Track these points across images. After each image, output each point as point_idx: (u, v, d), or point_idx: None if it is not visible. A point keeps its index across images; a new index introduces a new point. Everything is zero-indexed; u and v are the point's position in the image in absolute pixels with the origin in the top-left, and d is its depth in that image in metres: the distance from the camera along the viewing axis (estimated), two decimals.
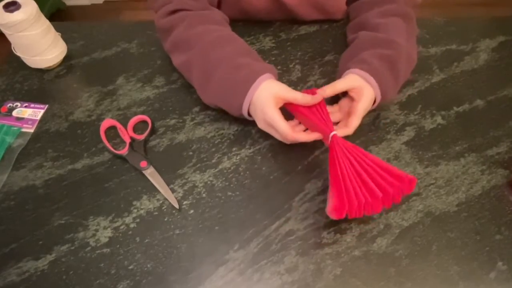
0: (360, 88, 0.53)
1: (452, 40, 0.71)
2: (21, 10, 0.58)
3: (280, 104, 0.52)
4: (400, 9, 0.61)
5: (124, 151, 0.55)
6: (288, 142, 0.53)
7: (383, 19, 0.61)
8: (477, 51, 0.69)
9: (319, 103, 0.53)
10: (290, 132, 0.50)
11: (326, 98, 0.53)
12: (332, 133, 0.49)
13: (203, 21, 0.59)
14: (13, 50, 0.65)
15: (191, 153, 0.56)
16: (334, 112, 0.56)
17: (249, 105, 0.53)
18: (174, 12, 0.60)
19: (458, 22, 0.74)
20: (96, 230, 0.49)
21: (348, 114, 0.54)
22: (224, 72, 0.53)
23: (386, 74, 0.54)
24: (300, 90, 0.62)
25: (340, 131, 0.50)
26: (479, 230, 0.48)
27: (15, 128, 0.59)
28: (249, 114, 0.54)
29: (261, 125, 0.53)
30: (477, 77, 0.65)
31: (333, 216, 0.45)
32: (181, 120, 0.60)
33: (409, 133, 0.58)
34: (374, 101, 0.55)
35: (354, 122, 0.52)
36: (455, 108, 0.61)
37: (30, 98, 0.64)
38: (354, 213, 0.45)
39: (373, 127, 0.59)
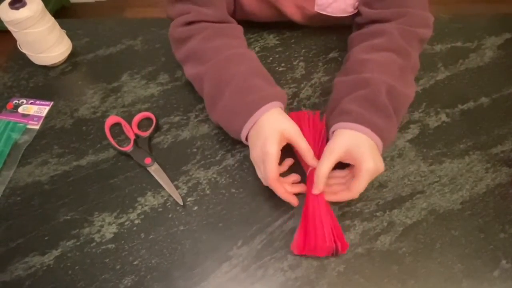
0: (353, 147, 0.47)
1: (457, 37, 0.70)
2: (26, 7, 0.59)
3: (284, 143, 0.49)
4: (392, 43, 0.55)
5: (128, 148, 0.56)
6: (265, 183, 0.49)
7: (368, 54, 0.55)
8: (483, 48, 0.68)
9: (319, 133, 0.52)
10: (273, 176, 0.46)
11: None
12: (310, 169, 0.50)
13: (221, 34, 0.57)
14: (19, 47, 0.65)
15: (195, 150, 0.56)
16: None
17: (249, 131, 0.50)
18: (191, 23, 0.58)
19: (464, 19, 0.73)
20: (101, 226, 0.50)
21: (351, 174, 0.49)
22: (233, 92, 0.51)
23: (371, 117, 0.48)
24: (303, 88, 0.63)
25: (342, 195, 0.48)
26: (483, 228, 0.48)
27: (21, 124, 0.60)
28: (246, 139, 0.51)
29: (254, 154, 0.49)
30: (482, 75, 0.64)
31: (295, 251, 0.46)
32: (185, 117, 0.60)
33: (413, 130, 0.58)
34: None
35: (358, 186, 0.46)
36: (459, 106, 0.61)
37: (36, 95, 0.64)
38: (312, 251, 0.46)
39: None
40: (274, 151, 0.46)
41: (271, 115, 0.49)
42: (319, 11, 0.65)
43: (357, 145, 0.47)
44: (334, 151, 0.47)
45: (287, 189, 0.48)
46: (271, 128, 0.47)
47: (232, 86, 0.51)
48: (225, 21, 0.61)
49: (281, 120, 0.49)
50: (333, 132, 0.50)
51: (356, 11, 0.65)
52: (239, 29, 0.62)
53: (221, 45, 0.56)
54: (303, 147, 0.48)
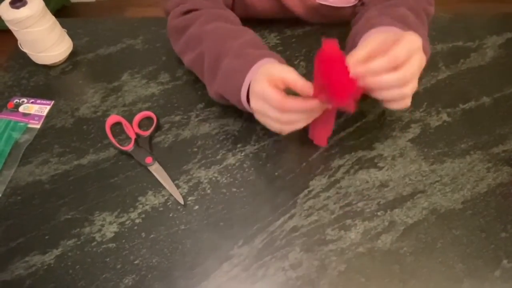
0: (392, 34, 0.44)
1: (459, 36, 0.70)
2: (27, 6, 0.59)
3: (277, 85, 0.44)
4: (406, 3, 0.55)
5: (129, 147, 0.56)
6: (285, 119, 0.44)
7: (383, 10, 0.55)
8: (484, 47, 0.68)
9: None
10: (279, 98, 0.42)
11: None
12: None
13: (217, 18, 0.57)
14: (20, 46, 0.65)
15: (196, 149, 0.56)
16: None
17: (248, 92, 0.48)
18: (188, 12, 0.59)
19: (465, 19, 0.73)
20: (102, 225, 0.49)
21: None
22: (228, 62, 0.51)
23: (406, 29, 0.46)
24: None
25: (386, 76, 0.42)
26: (484, 227, 0.48)
27: (22, 123, 0.60)
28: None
29: (256, 106, 0.46)
30: (483, 74, 0.64)
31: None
32: (186, 117, 0.60)
33: (414, 130, 0.58)
34: None
35: (400, 47, 0.41)
36: (461, 105, 0.60)
37: (37, 94, 0.64)
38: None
39: (378, 124, 0.58)
40: (264, 85, 0.43)
41: (263, 69, 0.46)
42: (321, 2, 0.64)
43: (397, 32, 0.45)
44: (370, 38, 0.44)
45: (300, 102, 0.44)
46: (258, 77, 0.45)
47: (228, 57, 0.51)
48: (222, 9, 0.61)
49: (269, 68, 0.46)
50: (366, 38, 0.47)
51: (357, 1, 0.65)
52: (236, 17, 0.61)
53: (217, 26, 0.56)
54: (298, 81, 0.43)
